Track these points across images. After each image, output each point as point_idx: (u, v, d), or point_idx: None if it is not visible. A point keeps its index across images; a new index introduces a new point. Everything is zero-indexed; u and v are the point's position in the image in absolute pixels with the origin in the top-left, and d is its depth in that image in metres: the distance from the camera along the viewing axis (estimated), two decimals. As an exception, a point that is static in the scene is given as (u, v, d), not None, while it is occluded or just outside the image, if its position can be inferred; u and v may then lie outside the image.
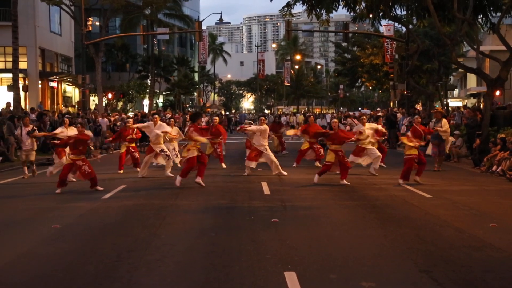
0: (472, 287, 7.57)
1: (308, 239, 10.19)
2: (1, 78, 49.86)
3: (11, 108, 33.13)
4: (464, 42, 45.74)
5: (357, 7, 32.36)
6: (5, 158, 25.22)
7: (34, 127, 21.36)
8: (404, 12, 35.52)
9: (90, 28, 45.45)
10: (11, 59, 46.79)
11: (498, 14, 29.99)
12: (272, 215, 12.35)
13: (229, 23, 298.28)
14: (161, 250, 9.51)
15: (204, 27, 64.38)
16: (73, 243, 10.17)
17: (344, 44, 61.23)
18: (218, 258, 8.98)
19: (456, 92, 73.96)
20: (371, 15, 33.35)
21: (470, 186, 17.71)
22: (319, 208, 13.52)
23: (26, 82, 46.97)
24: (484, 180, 19.02)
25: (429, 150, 22.31)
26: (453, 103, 61.33)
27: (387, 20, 39.28)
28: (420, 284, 7.68)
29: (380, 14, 33.51)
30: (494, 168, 20.66)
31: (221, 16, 68.81)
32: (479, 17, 31.18)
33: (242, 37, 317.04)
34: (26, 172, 20.73)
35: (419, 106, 58.97)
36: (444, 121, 21.53)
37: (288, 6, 32.92)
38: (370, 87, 74.70)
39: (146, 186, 17.65)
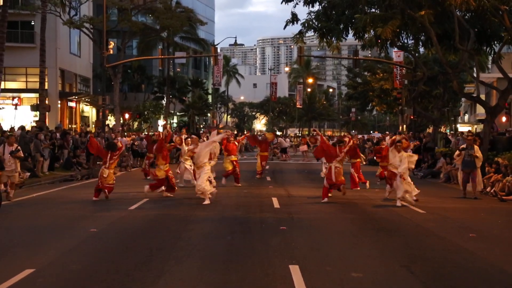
0: (440, 277, 9.33)
1: (310, 242, 12.02)
2: (23, 97, 51.61)
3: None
4: (473, 69, 46.94)
5: (366, 35, 33.63)
6: (32, 174, 26.82)
7: (18, 147, 20.24)
8: (411, 41, 37.12)
9: (111, 52, 47.29)
10: (33, 80, 49.18)
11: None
12: (281, 224, 14.16)
13: (243, 45, 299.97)
14: (185, 248, 11.34)
15: (218, 50, 66.26)
16: (111, 243, 12.04)
17: (356, 69, 62.75)
18: (234, 255, 10.83)
19: (466, 117, 75.39)
20: (379, 41, 34.65)
21: (463, 204, 19.31)
22: (322, 220, 15.34)
23: (47, 102, 48.80)
24: (477, 200, 20.53)
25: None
26: (462, 128, 62.64)
27: (394, 48, 40.88)
28: (398, 274, 9.49)
29: (388, 43, 35.02)
30: (488, 189, 22.22)
31: (235, 40, 70.68)
32: (483, 46, 32.66)
33: (256, 59, 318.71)
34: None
35: (430, 130, 60.34)
36: (476, 147, 21.54)
37: (300, 33, 34.50)
38: (382, 111, 76.22)
39: (167, 199, 19.37)
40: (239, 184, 24.08)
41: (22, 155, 20.68)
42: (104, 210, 16.86)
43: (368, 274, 9.45)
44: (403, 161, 18.53)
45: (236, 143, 25.02)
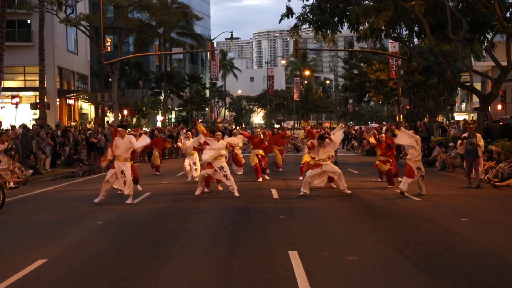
0: (432, 259, 9.84)
1: (308, 230, 12.56)
2: (21, 96, 51.91)
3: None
4: (469, 58, 47.13)
5: (361, 27, 34.01)
6: (35, 171, 27.31)
7: (11, 145, 20.12)
8: (405, 32, 37.53)
9: (109, 49, 47.74)
10: (31, 78, 49.70)
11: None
12: (280, 213, 14.74)
13: (239, 38, 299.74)
14: (190, 237, 11.87)
15: (214, 45, 66.57)
16: (118, 234, 12.56)
17: (352, 61, 63.16)
18: (237, 242, 11.36)
19: (463, 106, 75.84)
20: (373, 33, 34.92)
21: (457, 191, 19.86)
22: (320, 208, 15.92)
23: (45, 100, 49.20)
24: (472, 187, 20.97)
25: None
26: (459, 117, 63.08)
27: (388, 39, 41.28)
28: (392, 257, 10.02)
29: (383, 34, 35.42)
30: (482, 176, 22.67)
31: (231, 35, 71.02)
32: (476, 35, 33.13)
33: (252, 52, 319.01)
34: None
35: (426, 120, 60.68)
36: (479, 135, 21.23)
37: (296, 27, 34.95)
38: (380, 102, 76.59)
39: (169, 193, 19.89)
40: (259, 179, 23.68)
41: (14, 154, 20.82)
42: (109, 204, 17.31)
43: (363, 257, 9.97)
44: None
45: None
